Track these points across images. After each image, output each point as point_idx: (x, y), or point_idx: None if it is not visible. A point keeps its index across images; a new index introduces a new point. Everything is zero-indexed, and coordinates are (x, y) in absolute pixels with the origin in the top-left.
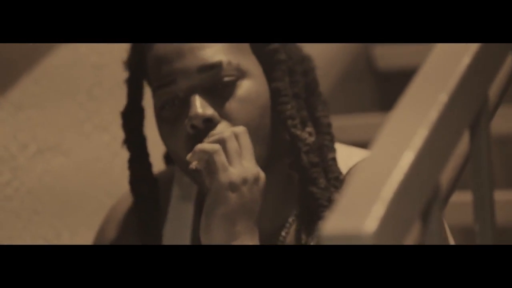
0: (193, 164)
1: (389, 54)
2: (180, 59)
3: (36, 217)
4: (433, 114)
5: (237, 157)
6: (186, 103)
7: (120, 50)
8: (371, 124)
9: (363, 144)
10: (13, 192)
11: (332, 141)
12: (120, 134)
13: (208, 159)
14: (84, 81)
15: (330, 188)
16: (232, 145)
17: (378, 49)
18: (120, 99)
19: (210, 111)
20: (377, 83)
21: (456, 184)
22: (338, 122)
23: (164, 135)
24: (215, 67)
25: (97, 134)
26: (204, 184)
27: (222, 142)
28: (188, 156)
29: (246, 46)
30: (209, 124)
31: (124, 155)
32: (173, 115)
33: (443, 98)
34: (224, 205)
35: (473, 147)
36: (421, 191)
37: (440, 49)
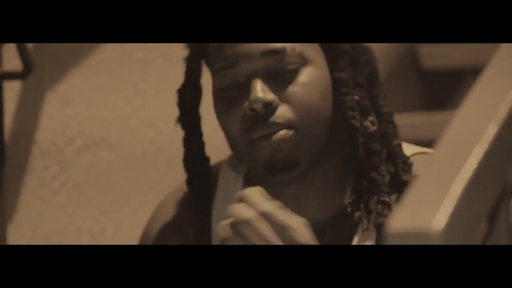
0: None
1: (434, 53)
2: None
3: (81, 212)
4: (503, 110)
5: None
6: (247, 87)
7: (167, 46)
8: (415, 123)
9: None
10: (59, 186)
11: (395, 129)
12: (166, 130)
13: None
14: (130, 76)
15: (399, 172)
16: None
17: (423, 48)
18: (166, 94)
19: (270, 95)
20: (421, 82)
21: None
22: None
23: (221, 114)
24: (279, 52)
25: (142, 129)
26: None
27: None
28: (220, 230)
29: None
30: (269, 108)
31: (169, 151)
32: (232, 96)
33: None
34: None
35: None
36: (489, 189)
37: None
